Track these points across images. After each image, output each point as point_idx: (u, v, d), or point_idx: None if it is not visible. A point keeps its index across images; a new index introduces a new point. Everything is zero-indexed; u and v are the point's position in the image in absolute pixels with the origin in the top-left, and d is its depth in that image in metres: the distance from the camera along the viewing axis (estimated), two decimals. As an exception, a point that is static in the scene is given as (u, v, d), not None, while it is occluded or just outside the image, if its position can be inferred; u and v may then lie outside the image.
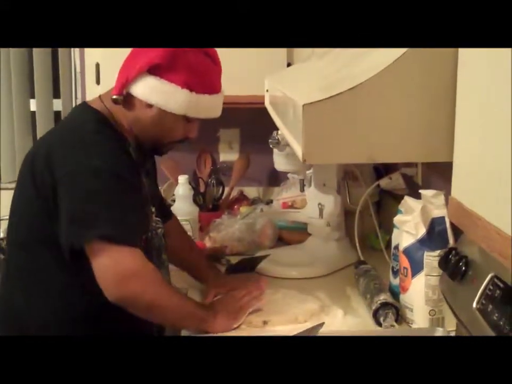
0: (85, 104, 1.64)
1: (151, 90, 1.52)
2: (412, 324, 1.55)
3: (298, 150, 1.11)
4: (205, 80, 1.56)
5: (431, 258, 1.48)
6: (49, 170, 1.47)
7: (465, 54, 0.99)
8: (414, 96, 1.12)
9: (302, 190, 2.16)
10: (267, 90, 1.95)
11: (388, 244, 1.88)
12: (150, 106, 1.54)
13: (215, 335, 1.48)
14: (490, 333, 1.08)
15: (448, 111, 1.05)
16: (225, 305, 1.59)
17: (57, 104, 2.83)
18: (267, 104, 1.97)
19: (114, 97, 1.55)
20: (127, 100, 1.55)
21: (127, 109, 1.57)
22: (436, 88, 1.11)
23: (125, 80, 1.53)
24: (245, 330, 1.54)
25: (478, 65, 0.93)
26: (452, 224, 1.44)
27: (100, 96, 1.62)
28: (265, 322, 1.58)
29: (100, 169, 1.45)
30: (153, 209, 1.68)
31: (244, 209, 2.46)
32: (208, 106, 1.60)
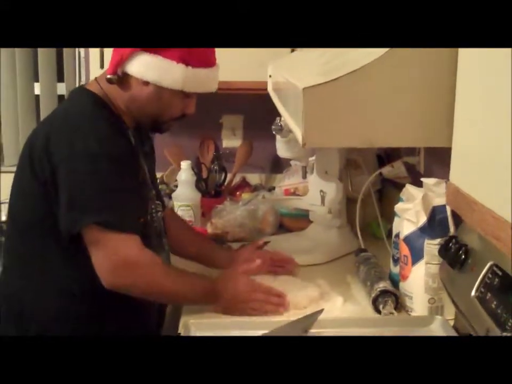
0: (81, 88, 1.64)
1: (146, 67, 1.51)
2: (411, 311, 1.55)
3: (298, 133, 1.11)
4: (200, 54, 1.54)
5: (431, 246, 1.48)
6: (47, 155, 1.46)
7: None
8: (414, 81, 1.12)
9: (304, 177, 2.15)
10: (270, 76, 1.95)
11: (389, 232, 1.87)
12: (146, 83, 1.53)
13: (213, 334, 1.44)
14: (488, 321, 1.08)
15: (448, 96, 1.05)
16: (232, 296, 1.56)
17: (61, 88, 2.83)
18: (270, 89, 1.96)
19: (108, 76, 1.54)
20: (122, 80, 1.55)
21: (123, 89, 1.56)
22: (436, 74, 1.11)
23: (119, 58, 1.52)
24: (244, 316, 1.54)
25: (478, 52, 0.93)
26: (452, 212, 1.44)
27: (96, 79, 1.61)
28: (265, 308, 1.58)
29: (96, 154, 1.45)
30: (154, 192, 1.67)
31: (246, 195, 2.46)
32: (205, 80, 1.58)
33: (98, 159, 1.45)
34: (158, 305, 1.69)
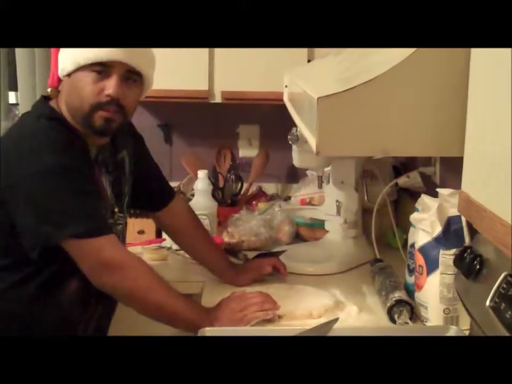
0: (40, 103, 1.61)
1: (60, 63, 1.52)
2: (426, 321, 1.55)
3: (312, 142, 1.12)
4: None
5: (446, 256, 1.48)
6: (4, 176, 1.46)
7: (478, 50, 1.00)
8: (427, 91, 1.12)
9: (320, 187, 2.16)
10: (286, 86, 1.96)
11: (405, 242, 1.88)
12: (67, 79, 1.52)
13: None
14: (503, 331, 1.08)
15: (460, 106, 1.06)
16: (229, 313, 1.55)
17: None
18: (285, 100, 1.98)
19: (49, 90, 1.54)
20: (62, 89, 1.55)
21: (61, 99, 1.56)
22: (449, 84, 1.11)
23: (55, 69, 1.53)
24: (259, 324, 1.55)
25: (489, 62, 0.94)
26: (468, 223, 1.45)
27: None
28: (280, 317, 1.59)
29: (53, 167, 1.44)
30: (115, 208, 1.66)
31: (262, 205, 2.47)
32: (97, 49, 1.48)
33: (56, 172, 1.44)
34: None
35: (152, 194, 1.84)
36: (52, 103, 1.58)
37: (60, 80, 1.55)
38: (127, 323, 1.74)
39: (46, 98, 1.61)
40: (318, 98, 1.07)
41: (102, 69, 1.48)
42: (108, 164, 1.64)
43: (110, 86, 1.49)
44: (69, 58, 1.50)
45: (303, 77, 1.67)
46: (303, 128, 1.39)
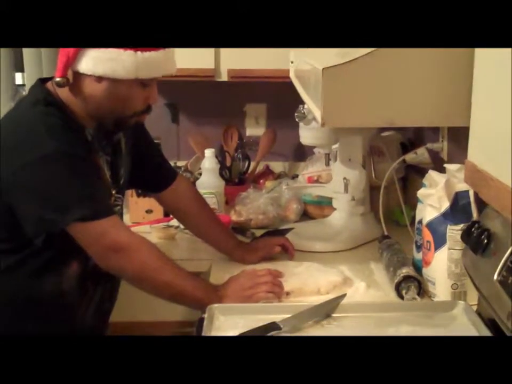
0: (36, 87, 1.58)
1: (95, 62, 1.46)
2: (434, 297, 1.55)
3: (317, 114, 1.12)
4: None
5: (454, 232, 1.48)
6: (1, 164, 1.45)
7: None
8: (432, 61, 1.12)
9: (328, 164, 2.16)
10: (292, 62, 1.95)
11: (413, 219, 1.87)
12: (99, 80, 1.48)
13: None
14: (510, 304, 1.08)
15: (466, 75, 1.05)
16: (238, 289, 1.55)
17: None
18: (292, 76, 1.97)
19: (57, 79, 1.49)
20: (74, 81, 1.51)
21: (76, 91, 1.52)
22: (454, 54, 1.11)
23: (66, 59, 1.47)
24: (267, 301, 1.56)
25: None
26: (476, 197, 1.44)
27: (52, 80, 1.56)
28: (288, 293, 1.59)
29: (53, 154, 1.44)
30: (113, 190, 1.66)
31: (269, 183, 2.47)
32: (158, 63, 1.50)
33: (56, 158, 1.44)
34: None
35: (152, 175, 1.83)
36: (48, 86, 1.56)
37: (66, 71, 1.50)
38: (129, 307, 1.76)
39: (42, 81, 1.59)
40: (323, 69, 1.07)
41: (149, 81, 1.53)
42: (104, 145, 1.63)
43: (154, 96, 1.56)
44: (116, 65, 1.46)
45: (309, 52, 1.66)
46: (309, 102, 1.38)
